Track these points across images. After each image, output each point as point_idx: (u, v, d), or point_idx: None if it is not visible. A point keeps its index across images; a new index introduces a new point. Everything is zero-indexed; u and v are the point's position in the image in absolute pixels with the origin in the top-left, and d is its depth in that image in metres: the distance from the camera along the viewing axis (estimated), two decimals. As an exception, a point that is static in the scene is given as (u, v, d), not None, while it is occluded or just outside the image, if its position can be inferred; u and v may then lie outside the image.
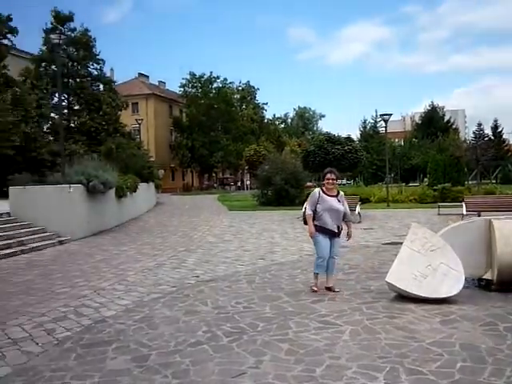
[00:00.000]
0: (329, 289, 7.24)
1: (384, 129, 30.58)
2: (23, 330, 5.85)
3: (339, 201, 7.17)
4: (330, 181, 7.18)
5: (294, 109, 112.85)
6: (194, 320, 6.00)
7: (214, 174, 75.27)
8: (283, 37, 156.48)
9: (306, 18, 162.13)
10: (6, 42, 33.64)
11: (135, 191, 21.82)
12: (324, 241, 7.14)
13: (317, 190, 7.37)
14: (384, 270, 7.63)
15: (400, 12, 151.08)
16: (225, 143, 64.84)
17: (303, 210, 7.58)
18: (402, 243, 7.21)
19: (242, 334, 5.40)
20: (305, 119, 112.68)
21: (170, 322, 5.95)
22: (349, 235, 7.37)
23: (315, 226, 7.14)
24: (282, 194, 26.77)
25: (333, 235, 7.15)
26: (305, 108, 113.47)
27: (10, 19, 32.72)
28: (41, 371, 4.55)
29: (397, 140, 75.22)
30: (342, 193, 7.39)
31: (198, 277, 8.83)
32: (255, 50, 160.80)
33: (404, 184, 48.55)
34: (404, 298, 6.51)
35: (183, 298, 7.24)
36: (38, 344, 5.34)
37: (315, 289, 7.23)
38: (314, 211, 7.14)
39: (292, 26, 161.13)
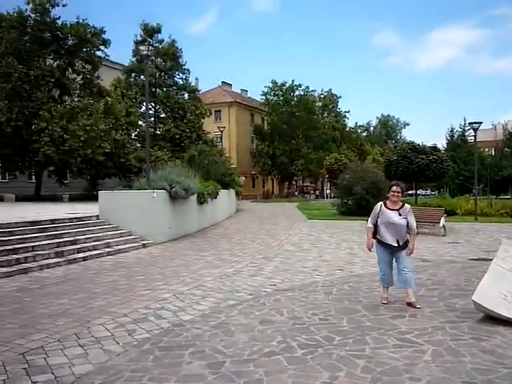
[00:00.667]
0: (410, 304, 6.98)
1: (473, 138, 29.10)
2: (106, 329, 6.09)
3: (400, 214, 7.04)
4: (396, 193, 7.15)
5: (377, 117, 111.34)
6: (270, 329, 5.97)
7: (294, 182, 75.35)
8: (367, 43, 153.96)
9: (390, 23, 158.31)
10: (99, 53, 35.64)
11: (216, 197, 22.19)
12: (382, 255, 7.24)
13: (379, 203, 7.36)
14: (470, 288, 7.25)
15: (493, 14, 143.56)
16: (305, 151, 64.66)
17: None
18: (491, 260, 6.84)
19: (318, 346, 5.29)
20: (388, 127, 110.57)
21: (246, 330, 5.95)
22: (409, 249, 7.11)
23: (376, 239, 7.22)
24: (362, 203, 26.20)
25: (393, 249, 7.08)
26: (388, 116, 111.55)
27: (104, 32, 34.52)
28: (120, 370, 4.70)
29: (487, 150, 71.56)
30: (407, 206, 7.23)
31: (275, 285, 8.80)
32: (338, 58, 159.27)
33: (494, 196, 46.06)
34: (492, 319, 6.10)
35: (259, 306, 7.24)
36: (118, 344, 5.53)
37: (384, 302, 7.27)
38: (376, 224, 7.19)
39: (376, 32, 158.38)
